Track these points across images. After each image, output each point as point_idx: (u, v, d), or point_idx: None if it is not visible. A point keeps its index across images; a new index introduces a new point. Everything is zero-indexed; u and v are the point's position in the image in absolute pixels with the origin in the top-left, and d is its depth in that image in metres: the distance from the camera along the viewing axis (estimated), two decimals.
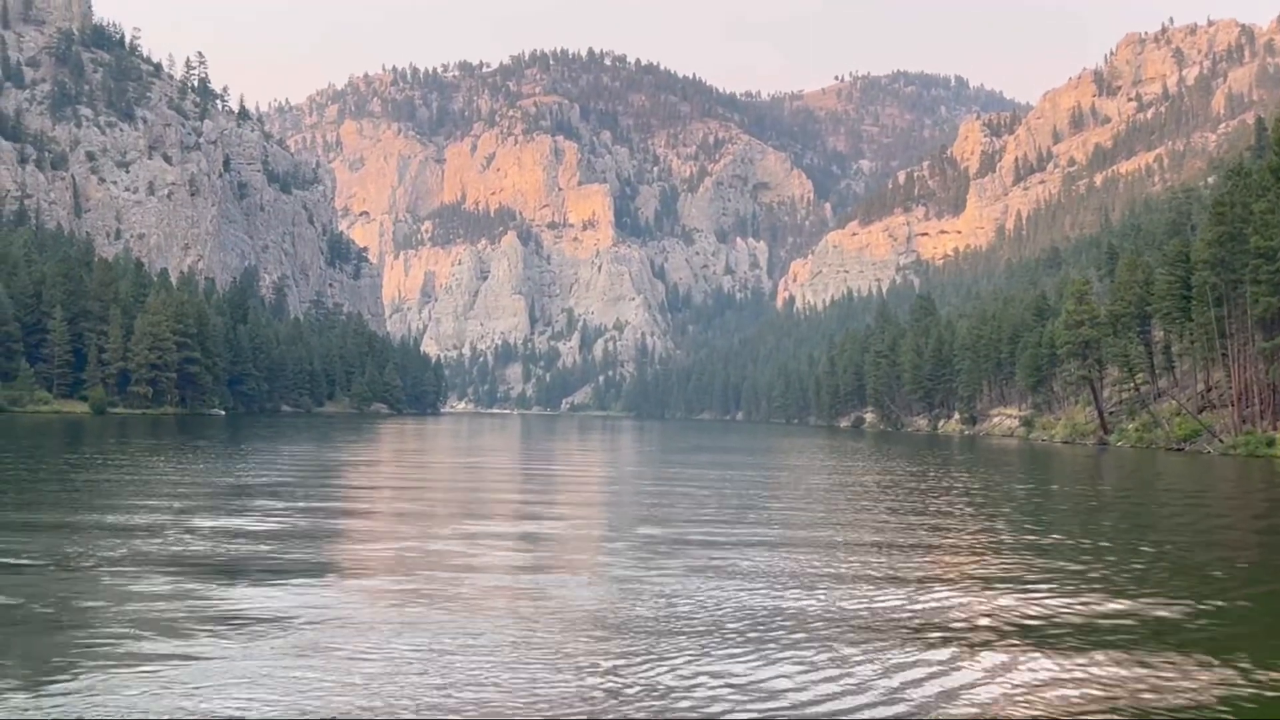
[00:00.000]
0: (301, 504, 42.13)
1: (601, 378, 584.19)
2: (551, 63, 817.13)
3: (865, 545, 32.13)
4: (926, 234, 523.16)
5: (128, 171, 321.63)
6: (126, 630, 18.92)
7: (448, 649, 18.08)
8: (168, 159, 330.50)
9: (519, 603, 22.55)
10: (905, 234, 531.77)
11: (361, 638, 18.79)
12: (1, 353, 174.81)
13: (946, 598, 23.51)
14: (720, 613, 21.40)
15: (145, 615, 20.20)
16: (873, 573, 26.49)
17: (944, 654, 18.33)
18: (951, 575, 26.54)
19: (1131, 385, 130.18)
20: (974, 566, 28.08)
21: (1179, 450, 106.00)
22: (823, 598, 23.27)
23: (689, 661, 17.45)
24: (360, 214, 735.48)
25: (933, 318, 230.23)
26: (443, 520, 38.17)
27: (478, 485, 59.95)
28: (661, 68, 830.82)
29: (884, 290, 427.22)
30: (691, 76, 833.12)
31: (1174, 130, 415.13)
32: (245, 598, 22.10)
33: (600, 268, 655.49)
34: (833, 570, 27.24)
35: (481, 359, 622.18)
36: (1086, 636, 19.96)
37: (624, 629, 19.90)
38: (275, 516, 36.81)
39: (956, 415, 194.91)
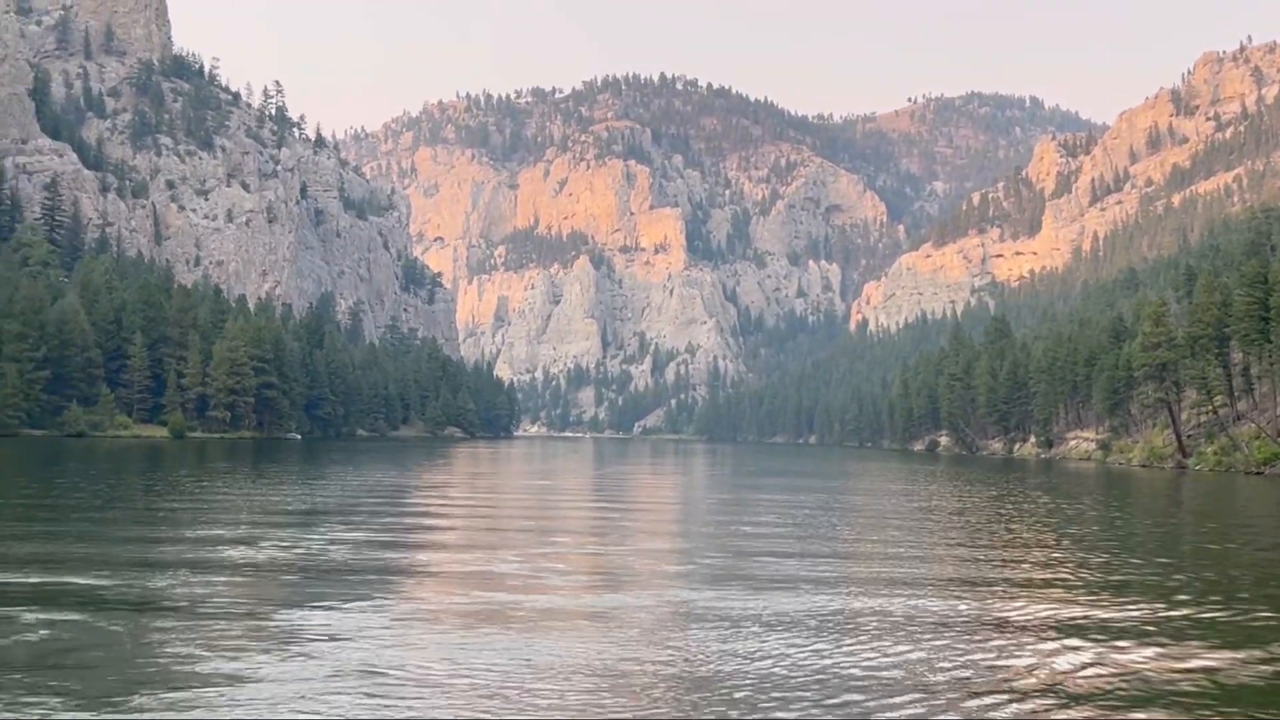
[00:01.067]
0: (370, 526, 42.52)
1: (674, 401, 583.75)
2: (624, 88, 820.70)
3: (945, 577, 31.79)
4: (1001, 256, 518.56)
5: (207, 199, 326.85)
6: (190, 650, 19.20)
7: (500, 669, 18.16)
8: (246, 187, 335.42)
9: (578, 623, 22.61)
10: (980, 256, 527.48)
11: (415, 658, 18.94)
12: (83, 378, 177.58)
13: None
14: (784, 635, 21.30)
15: (208, 635, 20.49)
16: (960, 611, 25.24)
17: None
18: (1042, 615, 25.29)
19: (1210, 408, 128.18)
20: (1064, 605, 26.34)
21: (1259, 474, 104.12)
22: (896, 612, 23.09)
23: (750, 681, 17.35)
24: (434, 239, 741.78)
25: (1008, 340, 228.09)
26: (509, 543, 38.34)
27: (547, 508, 60.13)
28: (733, 91, 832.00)
29: (958, 312, 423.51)
30: (763, 99, 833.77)
31: (1253, 150, 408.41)
32: (306, 618, 22.34)
33: (672, 291, 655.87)
34: (910, 595, 26.99)
35: (554, 383, 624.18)
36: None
37: (682, 651, 19.90)
38: (343, 539, 37.18)
39: (1032, 438, 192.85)
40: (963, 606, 25.46)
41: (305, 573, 29.01)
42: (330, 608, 23.55)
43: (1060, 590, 28.34)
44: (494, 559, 32.86)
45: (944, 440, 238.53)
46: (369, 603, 24.41)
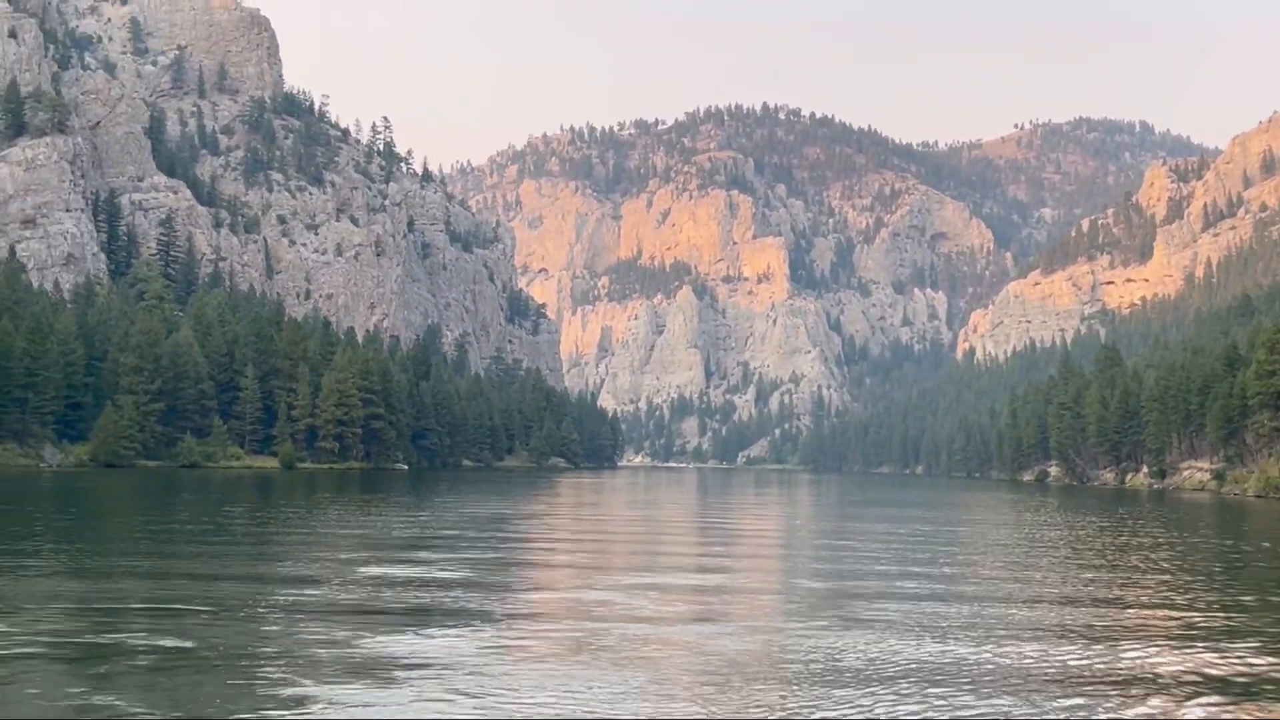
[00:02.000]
0: (471, 554, 42.96)
1: (777, 431, 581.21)
2: (726, 118, 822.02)
3: (1060, 622, 31.26)
4: (1112, 282, 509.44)
5: (316, 234, 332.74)
6: (282, 673, 19.59)
7: (584, 697, 18.26)
8: (354, 221, 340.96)
9: (670, 653, 22.66)
10: (1089, 283, 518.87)
11: (501, 684, 19.11)
12: (197, 410, 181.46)
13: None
14: (882, 668, 21.13)
15: (300, 658, 20.89)
16: (1076, 664, 23.56)
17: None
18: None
19: None
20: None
21: None
22: (1006, 659, 22.76)
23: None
24: (539, 271, 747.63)
25: (1118, 368, 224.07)
26: (609, 571, 38.54)
27: (650, 538, 60.21)
28: (836, 120, 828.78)
29: (1068, 341, 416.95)
30: (867, 128, 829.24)
31: None
32: (397, 644, 22.68)
33: (775, 321, 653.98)
34: (1021, 630, 26.59)
35: (657, 413, 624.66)
36: None
37: (777, 681, 19.87)
38: (444, 566, 37.63)
39: (1144, 469, 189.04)
40: (1079, 658, 23.48)
41: (402, 601, 29.40)
42: (422, 635, 23.87)
43: (1182, 638, 27.30)
44: (593, 587, 33.04)
45: (1054, 470, 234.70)
46: (462, 628, 24.70)
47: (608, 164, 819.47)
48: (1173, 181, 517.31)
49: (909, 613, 28.76)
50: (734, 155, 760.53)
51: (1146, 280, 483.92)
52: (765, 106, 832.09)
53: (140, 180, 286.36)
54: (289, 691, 18.37)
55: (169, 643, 22.43)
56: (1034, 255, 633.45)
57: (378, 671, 20.08)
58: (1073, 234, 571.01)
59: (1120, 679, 21.21)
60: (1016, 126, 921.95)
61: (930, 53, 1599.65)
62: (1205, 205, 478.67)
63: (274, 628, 24.54)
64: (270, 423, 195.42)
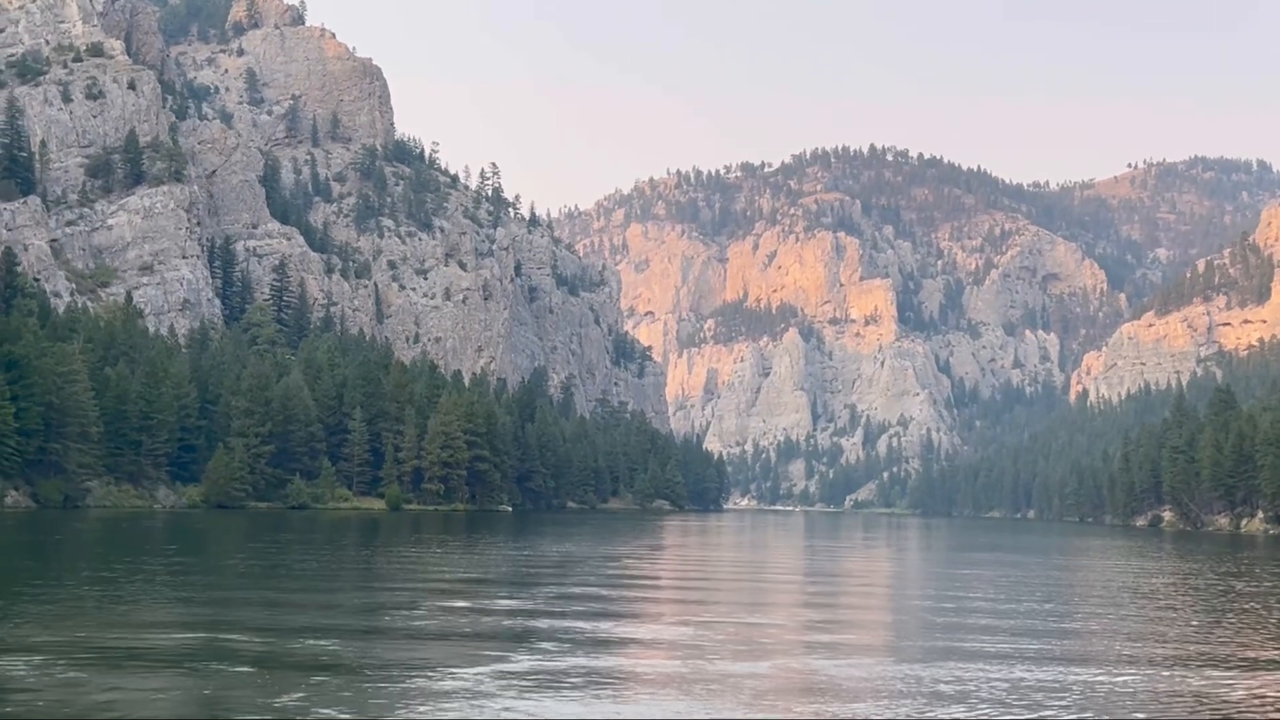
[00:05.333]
0: (561, 594, 43.50)
1: (885, 474, 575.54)
2: (833, 160, 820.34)
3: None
4: (1229, 324, 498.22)
5: (426, 278, 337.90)
6: (360, 699, 20.34)
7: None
8: (463, 265, 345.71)
9: (694, 688, 22.98)
10: (1205, 324, 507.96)
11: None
12: (306, 452, 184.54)
13: None
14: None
15: (370, 690, 21.65)
16: None
17: None
18: None
19: None
20: None
21: None
22: None
23: None
24: (645, 314, 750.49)
25: (1233, 411, 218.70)
26: (693, 612, 38.77)
27: (749, 580, 60.24)
28: (945, 160, 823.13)
29: (1183, 383, 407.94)
30: (976, 168, 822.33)
31: None
32: (454, 675, 23.36)
33: (883, 363, 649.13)
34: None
35: (764, 455, 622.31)
36: None
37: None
38: (530, 606, 38.20)
39: (1260, 514, 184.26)
40: None
41: (480, 634, 30.09)
42: (476, 666, 24.53)
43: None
44: (670, 627, 33.40)
45: (1167, 515, 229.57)
46: (509, 664, 25.29)
47: (714, 207, 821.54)
48: None
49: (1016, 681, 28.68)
50: (841, 197, 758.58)
51: (1264, 321, 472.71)
52: (873, 148, 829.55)
53: (255, 227, 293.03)
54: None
55: (236, 669, 23.33)
56: (1148, 296, 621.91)
57: (432, 700, 20.76)
58: (1188, 275, 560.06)
59: None
60: (1130, 166, 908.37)
61: (1041, 92, 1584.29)
62: None
63: (369, 655, 25.34)
64: (378, 465, 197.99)
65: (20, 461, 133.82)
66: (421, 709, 20.55)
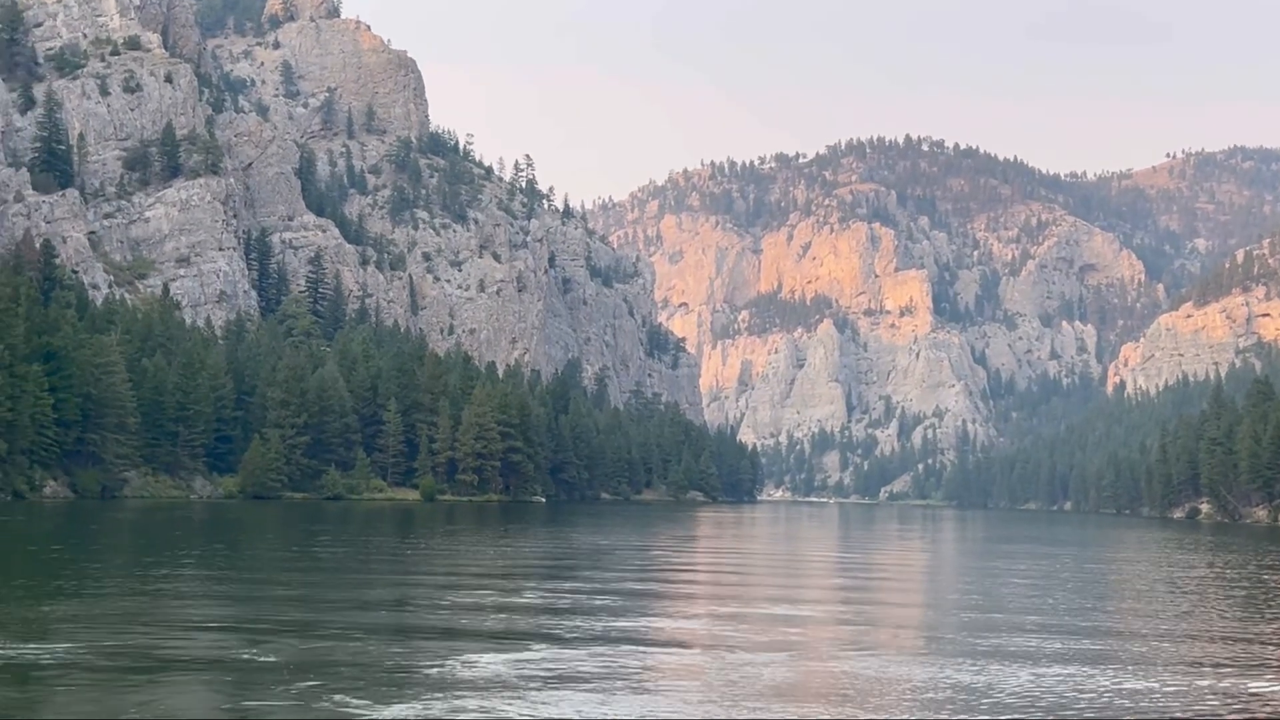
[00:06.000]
0: (589, 585, 43.56)
1: (920, 466, 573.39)
2: (868, 151, 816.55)
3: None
4: (1268, 315, 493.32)
5: (460, 270, 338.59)
6: (369, 687, 20.49)
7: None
8: (497, 257, 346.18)
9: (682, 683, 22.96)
10: (1244, 315, 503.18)
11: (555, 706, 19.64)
12: (341, 443, 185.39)
13: None
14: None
15: (379, 679, 21.77)
16: None
17: None
18: None
19: None
20: None
21: None
22: None
23: None
24: (679, 305, 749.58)
25: (1271, 402, 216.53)
26: (718, 605, 38.77)
27: (793, 572, 60.18)
28: (981, 151, 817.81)
29: (1221, 374, 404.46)
30: (1013, 159, 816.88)
31: None
32: (463, 663, 23.45)
33: (918, 354, 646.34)
34: None
35: (798, 447, 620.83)
36: None
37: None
38: (547, 598, 38.27)
39: None
40: None
41: (503, 625, 30.17)
42: (496, 656, 24.64)
43: None
44: (696, 620, 33.39)
45: (1204, 507, 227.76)
46: (529, 654, 25.40)
47: (748, 198, 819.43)
48: None
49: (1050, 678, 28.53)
50: (876, 188, 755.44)
51: None
52: (908, 138, 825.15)
53: (290, 219, 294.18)
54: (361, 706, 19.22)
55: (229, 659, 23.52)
56: (1187, 287, 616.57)
57: (450, 685, 20.85)
58: (1227, 265, 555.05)
59: None
60: (1168, 156, 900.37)
61: (1077, 81, 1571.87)
62: None
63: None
64: (412, 456, 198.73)
65: (59, 452, 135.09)
66: (439, 698, 20.66)
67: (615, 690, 22.02)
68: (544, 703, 20.50)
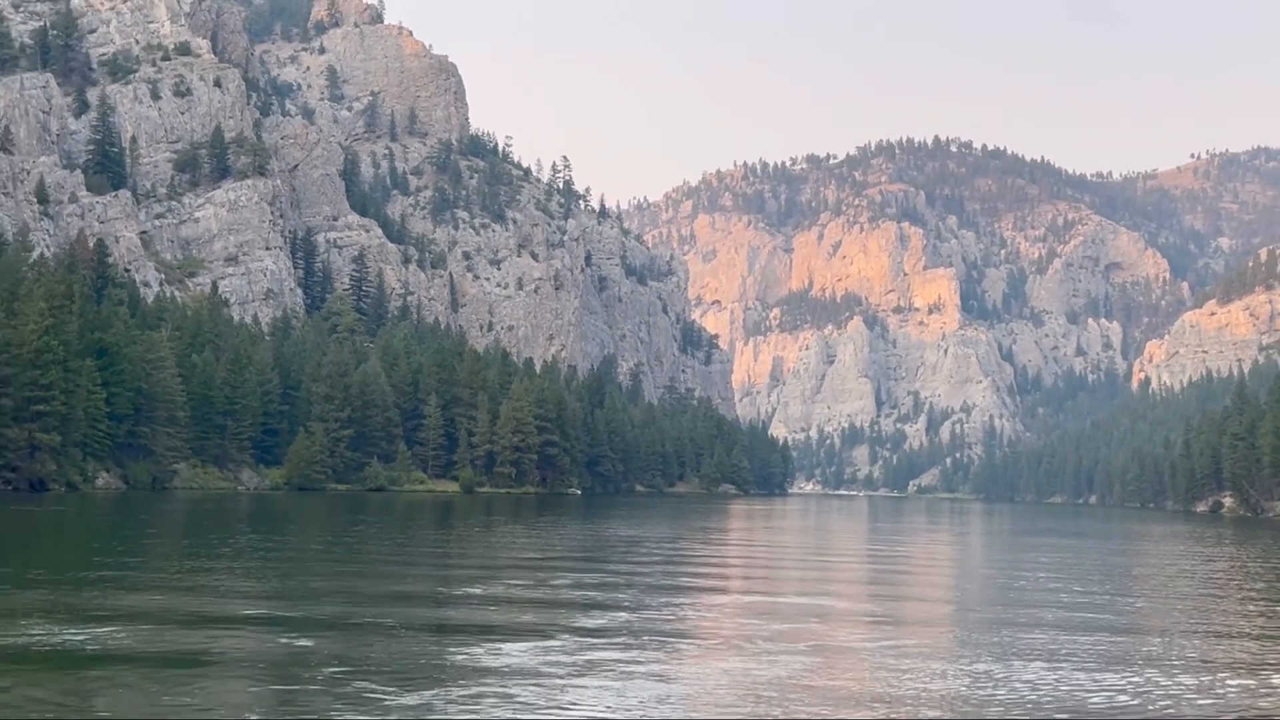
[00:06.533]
0: (618, 575, 43.54)
1: (948, 460, 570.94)
2: (897, 152, 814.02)
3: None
4: None
5: (499, 269, 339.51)
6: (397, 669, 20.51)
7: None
8: (535, 256, 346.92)
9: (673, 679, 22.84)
10: (1268, 312, 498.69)
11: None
12: (383, 436, 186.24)
13: None
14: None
15: (407, 664, 21.80)
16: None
17: None
18: None
19: None
20: None
21: None
22: None
23: None
24: (712, 303, 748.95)
25: None
26: (746, 598, 38.61)
27: (816, 567, 59.98)
28: (1008, 152, 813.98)
29: (1245, 370, 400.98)
30: (1039, 159, 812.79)
31: None
32: (487, 649, 23.45)
33: (946, 351, 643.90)
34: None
35: (828, 441, 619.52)
36: None
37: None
38: (571, 586, 38.23)
39: None
40: None
41: (532, 612, 30.19)
42: (521, 642, 24.63)
43: None
44: (711, 611, 33.28)
45: (1228, 502, 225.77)
46: (538, 643, 25.36)
47: (779, 198, 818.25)
48: None
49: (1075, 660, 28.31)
50: (905, 188, 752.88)
51: None
52: (936, 139, 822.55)
53: (335, 219, 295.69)
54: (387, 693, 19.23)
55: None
56: (1211, 285, 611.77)
57: (462, 676, 20.85)
58: (1250, 263, 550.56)
59: None
60: (1193, 156, 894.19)
61: (1103, 83, 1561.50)
62: None
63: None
64: (451, 449, 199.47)
65: (111, 445, 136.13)
66: (461, 686, 20.67)
67: (634, 678, 21.96)
68: (564, 691, 20.47)
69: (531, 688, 20.50)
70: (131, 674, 21.16)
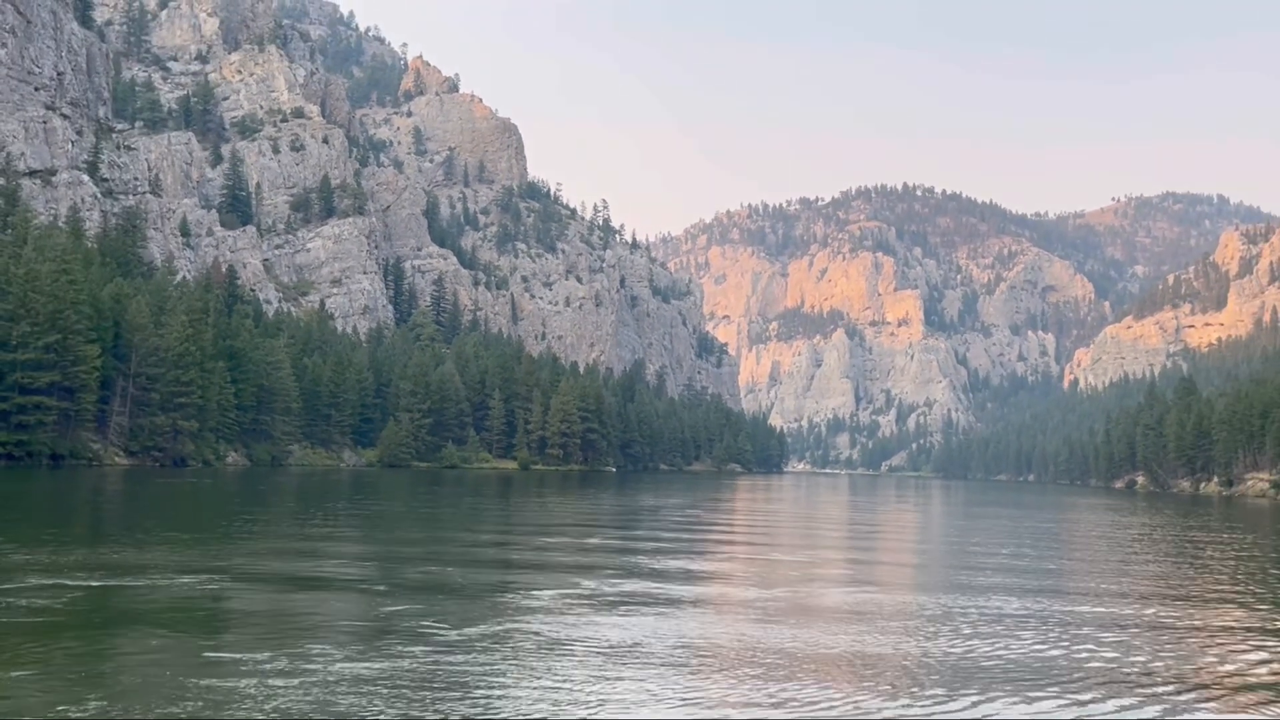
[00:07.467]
0: (644, 534, 43.43)
1: (914, 445, 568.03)
2: (873, 195, 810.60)
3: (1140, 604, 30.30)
4: (1193, 326, 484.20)
5: (550, 289, 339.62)
6: (440, 617, 20.46)
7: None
8: (579, 279, 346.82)
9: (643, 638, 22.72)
10: (1174, 327, 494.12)
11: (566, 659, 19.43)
12: (456, 424, 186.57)
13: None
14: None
15: (450, 608, 21.73)
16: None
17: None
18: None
19: None
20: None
21: None
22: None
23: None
24: (722, 317, 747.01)
25: (1194, 396, 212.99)
26: (742, 553, 38.44)
27: (799, 525, 59.79)
28: (964, 195, 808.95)
29: (1155, 374, 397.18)
30: (989, 201, 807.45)
31: None
32: (509, 597, 23.38)
33: (913, 357, 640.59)
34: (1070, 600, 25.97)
35: (816, 429, 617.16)
36: None
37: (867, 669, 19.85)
38: (609, 540, 38.13)
39: (1215, 479, 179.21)
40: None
41: (564, 563, 30.17)
42: (550, 589, 24.60)
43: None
44: (721, 562, 33.16)
45: (1140, 479, 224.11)
46: (577, 589, 25.28)
47: (777, 233, 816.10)
48: (1244, 244, 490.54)
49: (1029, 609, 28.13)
50: (879, 224, 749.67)
51: (1221, 324, 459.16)
52: (905, 185, 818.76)
53: (419, 249, 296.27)
54: (436, 630, 19.22)
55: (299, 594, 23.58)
56: (1128, 304, 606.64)
57: (493, 615, 20.79)
58: (1160, 287, 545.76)
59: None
60: (1114, 199, 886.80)
61: (1044, 140, 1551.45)
62: (1271, 263, 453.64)
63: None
64: (511, 434, 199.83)
65: (238, 430, 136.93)
66: (492, 621, 20.64)
67: (641, 614, 21.91)
68: (578, 625, 20.42)
69: (552, 623, 20.45)
70: (260, 594, 21.26)
